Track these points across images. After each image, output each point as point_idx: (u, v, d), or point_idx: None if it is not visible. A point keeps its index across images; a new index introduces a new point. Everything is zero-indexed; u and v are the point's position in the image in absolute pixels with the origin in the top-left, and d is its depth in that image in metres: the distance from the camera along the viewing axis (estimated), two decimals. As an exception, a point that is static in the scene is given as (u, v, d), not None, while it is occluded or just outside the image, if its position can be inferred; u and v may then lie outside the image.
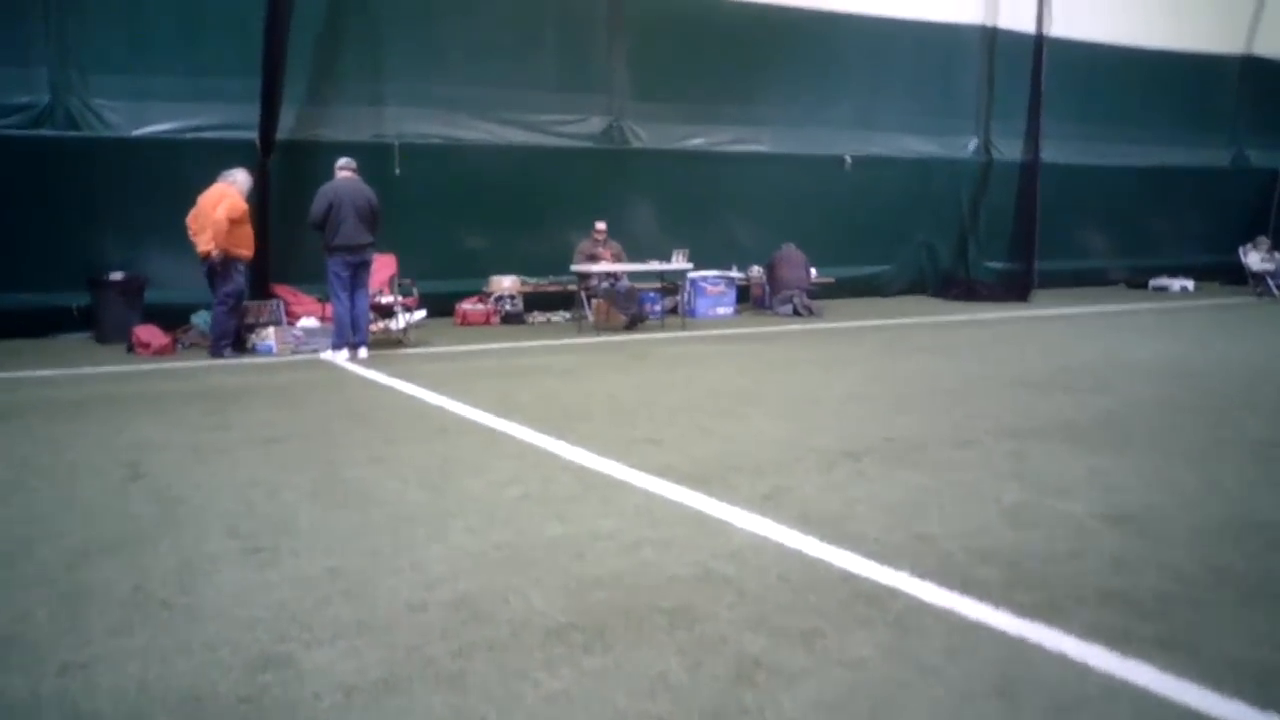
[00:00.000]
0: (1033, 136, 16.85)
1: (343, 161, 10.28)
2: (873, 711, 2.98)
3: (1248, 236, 18.82)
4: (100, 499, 5.14)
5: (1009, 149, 17.49)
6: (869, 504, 5.03)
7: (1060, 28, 16.71)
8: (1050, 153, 17.08)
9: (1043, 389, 8.33)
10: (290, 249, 12.60)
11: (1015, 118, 17.16)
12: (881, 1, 16.00)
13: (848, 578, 4.03)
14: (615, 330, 12.53)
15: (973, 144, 17.64)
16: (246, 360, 10.15)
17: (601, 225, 13.26)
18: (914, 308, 15.64)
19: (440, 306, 13.11)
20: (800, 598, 3.80)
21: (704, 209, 15.25)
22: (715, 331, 12.68)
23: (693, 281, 14.30)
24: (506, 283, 13.80)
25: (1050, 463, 5.86)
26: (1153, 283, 19.49)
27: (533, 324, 13.55)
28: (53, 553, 4.33)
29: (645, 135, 14.70)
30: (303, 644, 3.40)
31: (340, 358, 10.10)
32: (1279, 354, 10.73)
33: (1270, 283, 17.94)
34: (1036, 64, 16.51)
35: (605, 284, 12.87)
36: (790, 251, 14.82)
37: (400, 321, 11.54)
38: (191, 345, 10.99)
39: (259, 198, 11.78)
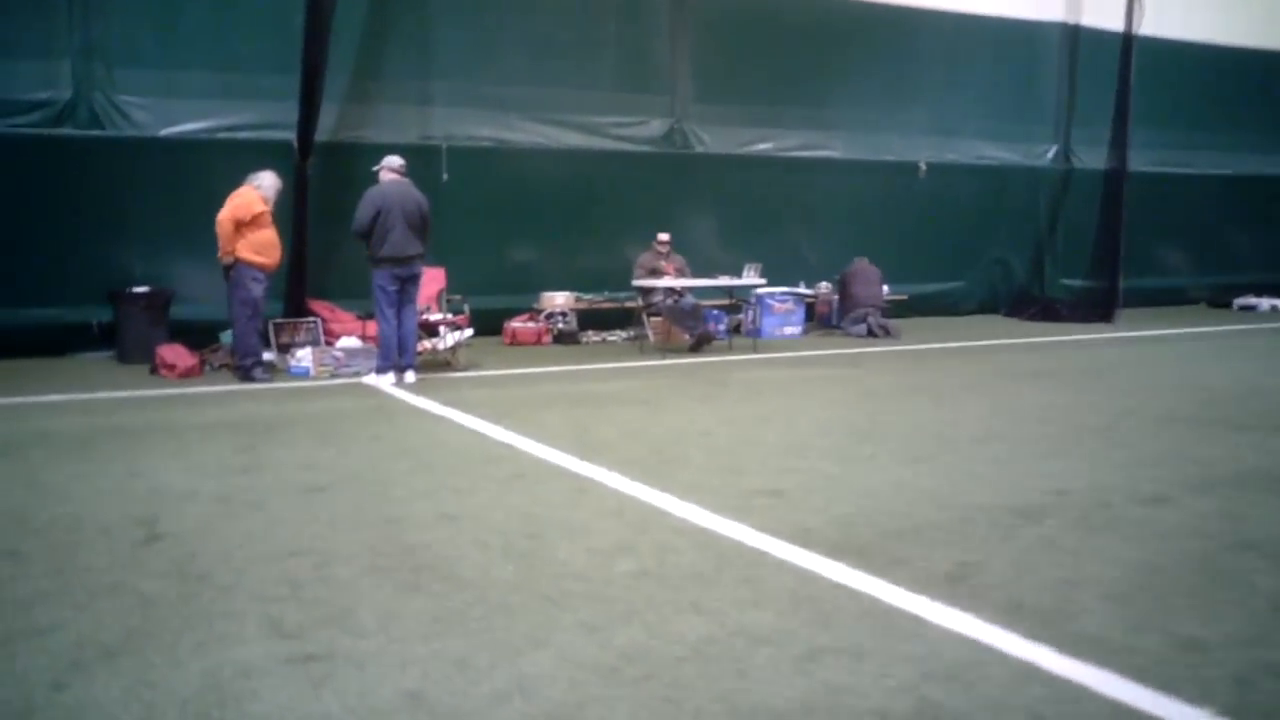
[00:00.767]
0: (1119, 143, 15.62)
1: (390, 162, 9.25)
2: None
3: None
4: (106, 573, 4.07)
5: (1090, 157, 16.28)
6: (1088, 590, 3.90)
7: (1148, 25, 15.52)
8: (1130, 161, 15.87)
9: (1202, 426, 7.16)
10: (328, 261, 11.61)
11: (1097, 123, 15.95)
12: (960, -4, 14.85)
13: (1124, 715, 2.90)
14: (680, 351, 11.43)
15: (1052, 151, 16.45)
16: (280, 385, 9.11)
17: (664, 236, 12.18)
18: (992, 328, 14.46)
19: (487, 324, 12.02)
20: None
21: (769, 219, 14.14)
22: (791, 354, 11.55)
23: (759, 298, 13.17)
24: (560, 299, 12.73)
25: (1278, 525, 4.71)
26: (1238, 301, 18.17)
27: (588, 344, 12.47)
28: (37, 661, 3.26)
29: (709, 139, 13.62)
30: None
31: (385, 382, 9.05)
32: None
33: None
34: (1124, 64, 15.31)
35: (669, 301, 11.78)
36: (864, 266, 13.70)
37: (448, 341, 10.49)
38: (221, 367, 9.96)
39: (294, 205, 10.80)
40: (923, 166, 15.08)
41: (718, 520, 4.77)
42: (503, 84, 12.29)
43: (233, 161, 10.24)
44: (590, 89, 12.84)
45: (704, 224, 13.59)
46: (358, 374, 9.66)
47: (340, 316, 11.41)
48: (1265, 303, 18.03)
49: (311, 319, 10.76)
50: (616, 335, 12.82)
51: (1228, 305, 18.17)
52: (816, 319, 14.27)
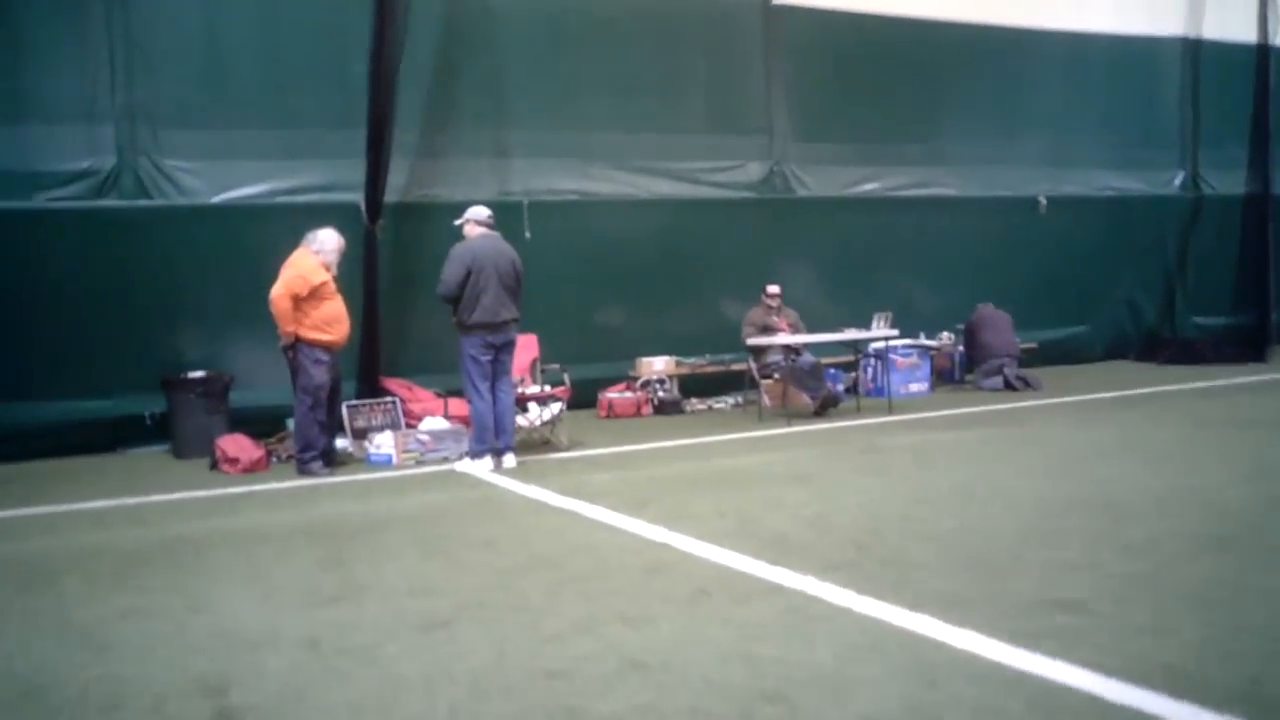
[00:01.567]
0: (1259, 165, 14.10)
1: (477, 214, 8.00)
2: None
3: None
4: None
5: (1221, 182, 14.74)
6: None
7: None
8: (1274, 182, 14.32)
9: None
10: (402, 334, 10.38)
11: (1227, 145, 14.45)
12: (1073, 13, 13.51)
13: None
14: (803, 417, 9.98)
15: (1179, 178, 14.92)
16: (361, 476, 7.78)
17: (775, 289, 10.82)
18: (1137, 375, 12.87)
19: (579, 395, 10.58)
20: None
21: (877, 265, 12.73)
22: (932, 413, 10.06)
23: (880, 353, 11.70)
24: (658, 364, 11.36)
25: None
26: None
27: (693, 413, 11.06)
28: None
29: (811, 181, 12.29)
30: None
31: (482, 469, 7.69)
32: None
33: None
34: (1261, 78, 13.85)
35: (786, 360, 10.36)
36: (991, 313, 12.23)
37: (543, 415, 9.13)
38: (289, 458, 8.66)
39: (364, 272, 9.59)
40: (1043, 201, 13.64)
41: (1018, 655, 3.31)
42: (585, 130, 11.09)
43: (294, 228, 9.05)
44: (680, 132, 11.60)
45: (809, 273, 12.19)
46: (447, 459, 8.34)
47: (419, 395, 10.14)
48: None
49: (389, 399, 9.47)
50: (723, 402, 11.42)
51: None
52: (937, 374, 12.74)
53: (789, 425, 9.56)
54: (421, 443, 8.39)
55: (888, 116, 12.61)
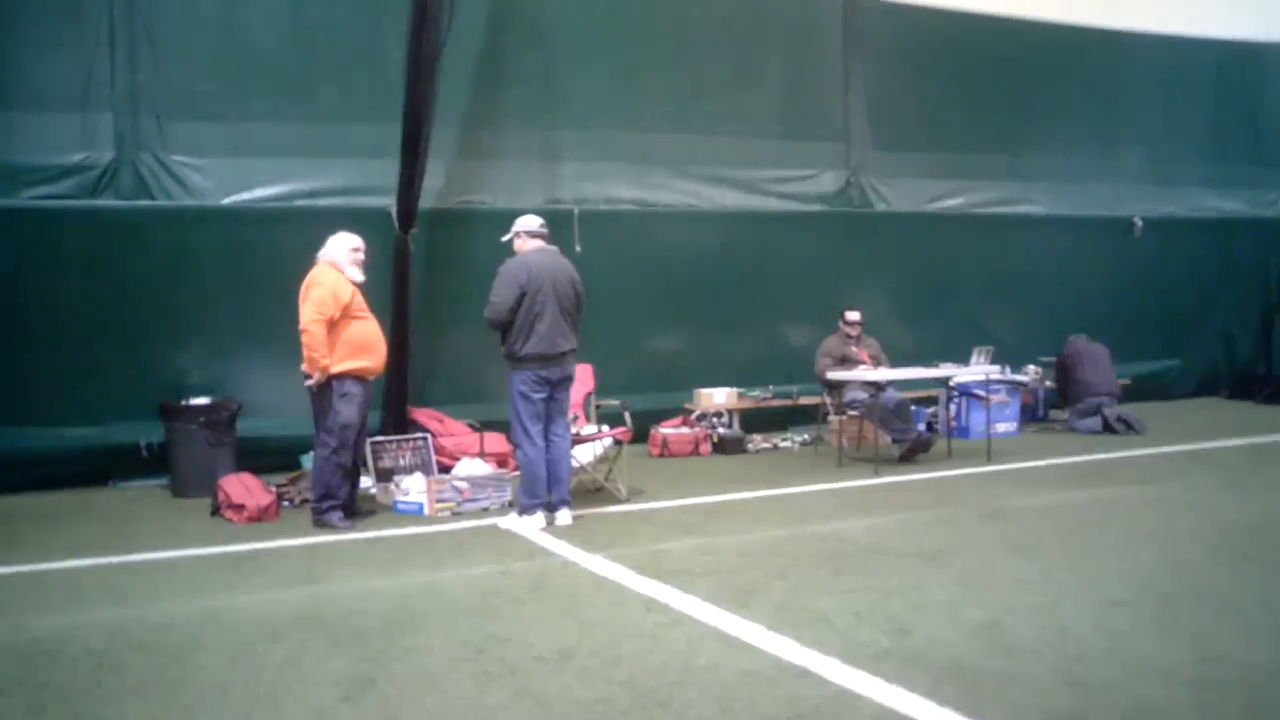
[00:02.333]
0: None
1: (529, 224, 6.77)
2: None
3: None
4: None
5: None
6: None
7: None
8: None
9: None
10: (433, 357, 9.19)
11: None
12: (1178, 15, 12.22)
13: None
14: (888, 461, 8.69)
15: (1285, 198, 13.63)
16: (387, 532, 6.54)
17: (855, 315, 9.56)
18: (1242, 417, 11.57)
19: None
20: None
21: (958, 290, 11.52)
22: (1037, 461, 8.77)
23: (964, 389, 10.42)
24: (719, 397, 10.11)
25: None
26: None
27: (757, 452, 9.80)
28: None
29: (890, 195, 11.03)
30: None
31: (532, 527, 6.45)
32: None
33: None
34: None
35: (869, 397, 9.09)
36: (1087, 346, 10.96)
37: (595, 451, 7.88)
38: (303, 502, 7.43)
39: (394, 287, 8.41)
40: (1138, 223, 12.35)
41: None
42: (644, 132, 9.90)
43: (316, 235, 7.90)
44: (749, 136, 10.40)
45: (884, 297, 10.94)
46: (486, 510, 7.10)
47: (451, 428, 8.93)
48: None
49: (419, 435, 8.23)
50: (789, 439, 10.15)
51: None
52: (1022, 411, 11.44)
53: (877, 474, 8.28)
54: (458, 491, 7.15)
55: (973, 125, 11.40)
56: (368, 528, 6.67)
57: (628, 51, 9.80)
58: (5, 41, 7.84)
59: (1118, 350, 11.72)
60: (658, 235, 9.95)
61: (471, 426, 8.98)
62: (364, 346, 6.68)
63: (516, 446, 6.60)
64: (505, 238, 6.76)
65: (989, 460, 8.80)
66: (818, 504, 7.19)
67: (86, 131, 8.02)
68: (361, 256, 6.79)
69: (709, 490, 7.74)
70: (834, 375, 8.91)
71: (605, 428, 7.64)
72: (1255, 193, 13.27)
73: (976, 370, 9.15)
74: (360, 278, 6.76)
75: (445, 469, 8.20)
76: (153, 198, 8.20)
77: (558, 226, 9.26)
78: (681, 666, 3.85)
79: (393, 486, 7.57)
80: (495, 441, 8.80)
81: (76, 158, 8.01)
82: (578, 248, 9.26)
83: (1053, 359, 11.24)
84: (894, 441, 8.99)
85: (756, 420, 10.35)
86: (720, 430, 9.91)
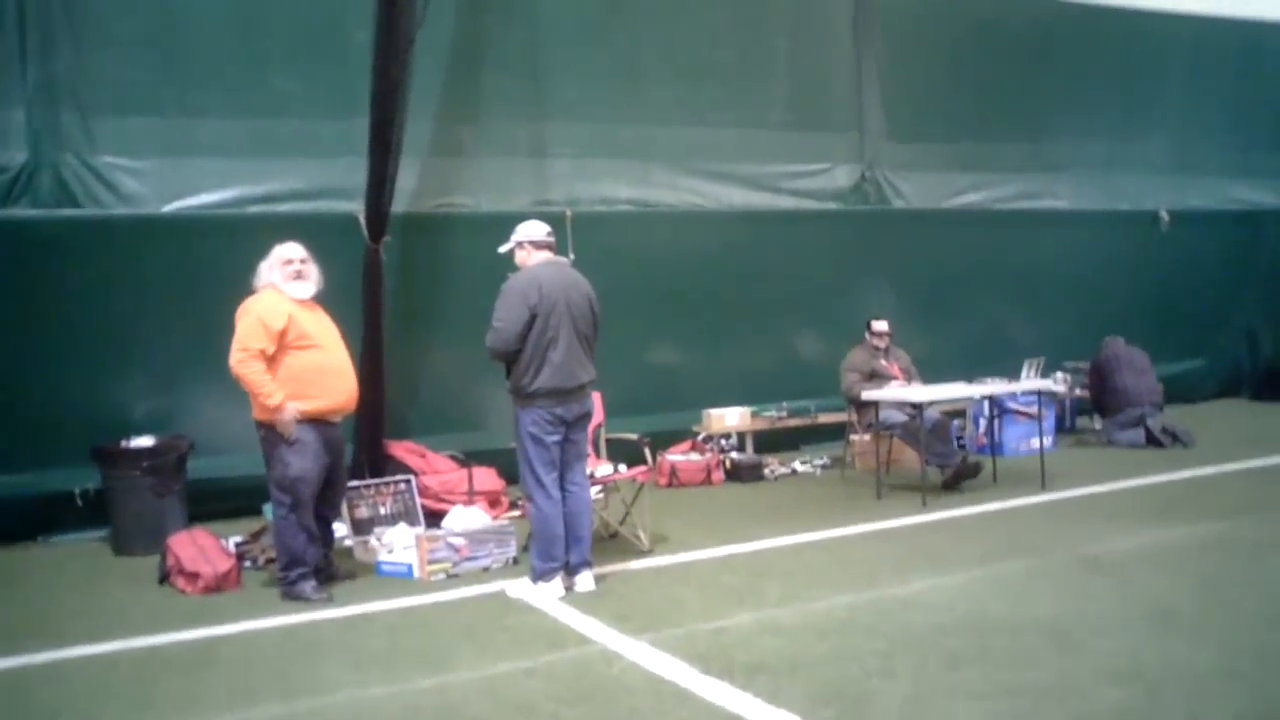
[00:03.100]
0: None
1: (533, 232, 5.64)
2: None
3: None
4: None
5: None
6: None
7: None
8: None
9: None
10: (411, 382, 8.07)
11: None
12: (1205, -7, 11.37)
13: None
14: (927, 489, 7.69)
15: (1313, 188, 12.81)
16: (375, 607, 5.41)
17: (882, 326, 8.58)
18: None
19: (628, 454, 8.25)
20: None
21: (980, 292, 10.57)
22: (1098, 487, 7.81)
23: (997, 403, 9.45)
24: (731, 418, 9.06)
25: None
26: None
27: (776, 478, 8.77)
28: None
29: (907, 190, 10.04)
30: None
31: (549, 596, 5.35)
32: None
33: None
34: None
35: (905, 417, 8.09)
36: (1125, 351, 10.04)
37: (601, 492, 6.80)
38: (268, 563, 6.28)
39: (365, 304, 7.28)
40: (1164, 216, 11.47)
41: None
42: (643, 124, 8.82)
43: (269, 245, 6.78)
44: (756, 127, 9.36)
45: (904, 302, 9.91)
46: (487, 569, 6.00)
47: (434, 463, 7.80)
48: None
49: (402, 479, 7.07)
50: (808, 463, 9.13)
51: None
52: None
53: (925, 509, 7.28)
54: (453, 548, 6.01)
55: (991, 112, 10.47)
56: (348, 598, 5.54)
57: (622, 33, 8.72)
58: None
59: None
60: (658, 238, 8.89)
61: (456, 460, 7.88)
62: (312, 382, 5.48)
63: (527, 499, 5.49)
64: (504, 248, 5.64)
65: (1043, 486, 7.82)
66: (876, 552, 6.16)
67: (-4, 129, 6.79)
68: (299, 267, 5.59)
69: (740, 533, 6.69)
70: (870, 395, 7.88)
71: (622, 467, 6.54)
72: (1281, 182, 12.46)
73: (1029, 386, 8.16)
74: (306, 292, 5.58)
75: (432, 515, 7.08)
76: (78, 206, 6.98)
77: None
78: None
79: (373, 541, 6.44)
80: (486, 477, 7.70)
81: (-17, 160, 6.77)
82: (571, 254, 8.11)
83: (1082, 365, 10.31)
84: (934, 466, 7.98)
85: (768, 441, 9.34)
86: (733, 455, 8.86)
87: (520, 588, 5.49)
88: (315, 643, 4.82)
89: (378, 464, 7.51)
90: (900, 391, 7.81)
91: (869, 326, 8.62)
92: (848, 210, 9.69)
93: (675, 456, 8.69)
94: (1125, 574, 5.36)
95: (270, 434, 5.48)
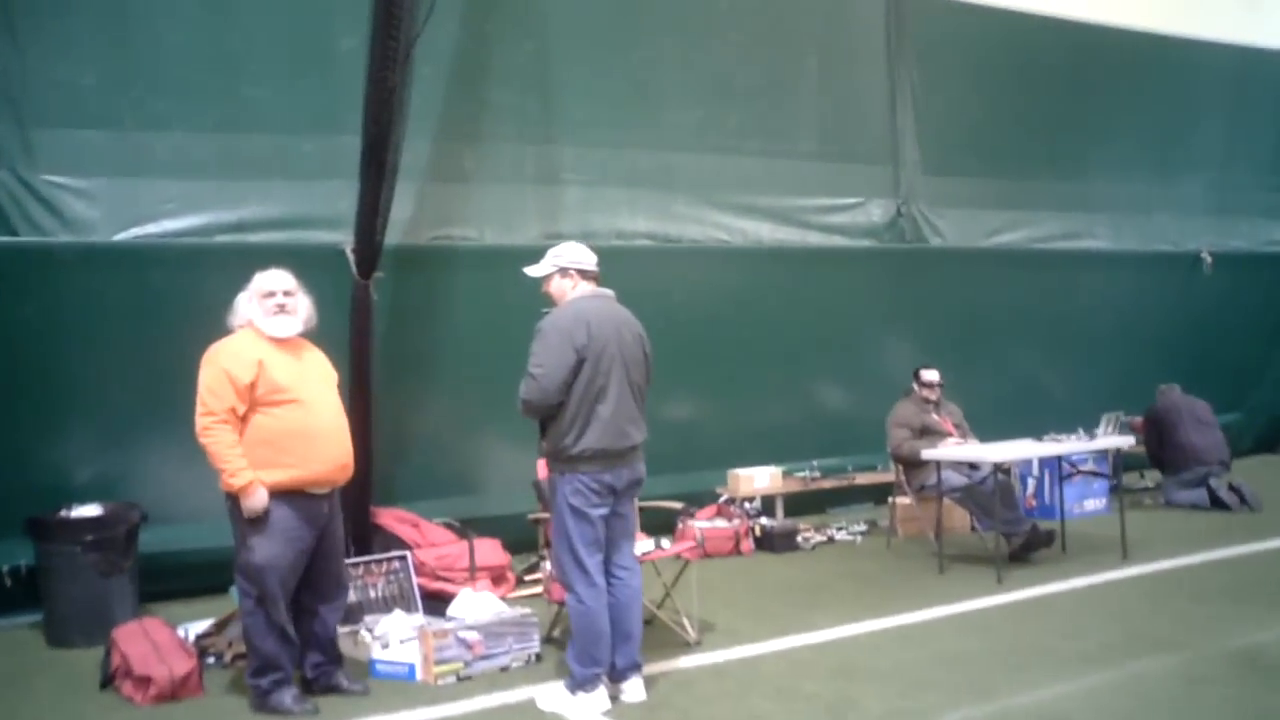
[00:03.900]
0: None
1: (579, 258, 4.68)
2: None
3: None
4: None
5: None
6: None
7: None
8: None
9: None
10: (402, 439, 7.02)
11: None
12: (1248, 22, 10.67)
13: None
14: (990, 560, 6.72)
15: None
16: (369, 721, 4.32)
17: (933, 376, 7.68)
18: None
19: (649, 520, 7.18)
20: None
21: (1022, 337, 9.72)
22: (1189, 558, 6.90)
23: (1046, 463, 8.56)
24: (760, 479, 8.06)
25: None
26: None
27: (813, 548, 7.76)
28: None
29: (945, 228, 9.16)
30: None
31: (593, 710, 4.29)
32: None
33: None
34: None
35: (965, 478, 7.14)
36: (1186, 401, 9.17)
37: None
38: (237, 659, 5.18)
39: (351, 348, 6.23)
40: (1207, 259, 10.69)
41: None
42: (662, 150, 7.91)
43: (244, 283, 5.76)
44: (784, 157, 8.46)
45: (944, 350, 8.94)
46: (506, 670, 4.92)
47: (429, 533, 6.75)
48: None
49: (395, 556, 6.00)
50: (845, 529, 8.13)
51: None
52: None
53: (1002, 587, 6.31)
54: (465, 645, 4.92)
55: (1030, 146, 9.66)
56: (336, 708, 4.44)
57: (639, 49, 7.81)
58: None
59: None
60: (679, 276, 7.94)
61: (452, 529, 6.83)
62: (287, 447, 4.37)
63: (566, 589, 4.42)
64: (539, 272, 4.61)
65: (1126, 557, 6.87)
66: (971, 645, 5.15)
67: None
68: (281, 300, 4.53)
69: (798, 619, 5.68)
70: (934, 454, 6.91)
71: (664, 543, 5.51)
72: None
73: (1109, 443, 7.23)
74: (287, 329, 4.52)
75: (429, 598, 6.02)
76: (15, 232, 5.90)
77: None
78: None
79: (364, 633, 5.35)
80: (489, 550, 6.64)
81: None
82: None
83: (1135, 418, 9.40)
84: (1000, 534, 7.00)
85: (796, 504, 8.36)
86: (765, 521, 7.86)
87: (554, 697, 4.42)
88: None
89: (364, 537, 6.43)
90: (971, 450, 6.85)
91: (917, 376, 7.70)
92: (883, 248, 8.80)
93: (701, 523, 7.65)
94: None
95: (237, 507, 4.41)
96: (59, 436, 6.21)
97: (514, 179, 7.31)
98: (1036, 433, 7.23)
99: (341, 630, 5.38)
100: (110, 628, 5.22)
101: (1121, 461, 9.70)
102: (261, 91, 6.51)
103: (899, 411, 7.59)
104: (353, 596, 5.62)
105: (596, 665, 4.33)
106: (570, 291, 4.50)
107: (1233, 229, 10.96)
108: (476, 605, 5.32)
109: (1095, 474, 8.41)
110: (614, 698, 4.42)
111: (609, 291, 4.66)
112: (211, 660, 5.22)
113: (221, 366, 4.36)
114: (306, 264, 5.93)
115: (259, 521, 4.33)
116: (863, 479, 8.44)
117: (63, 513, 5.95)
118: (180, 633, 5.25)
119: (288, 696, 4.45)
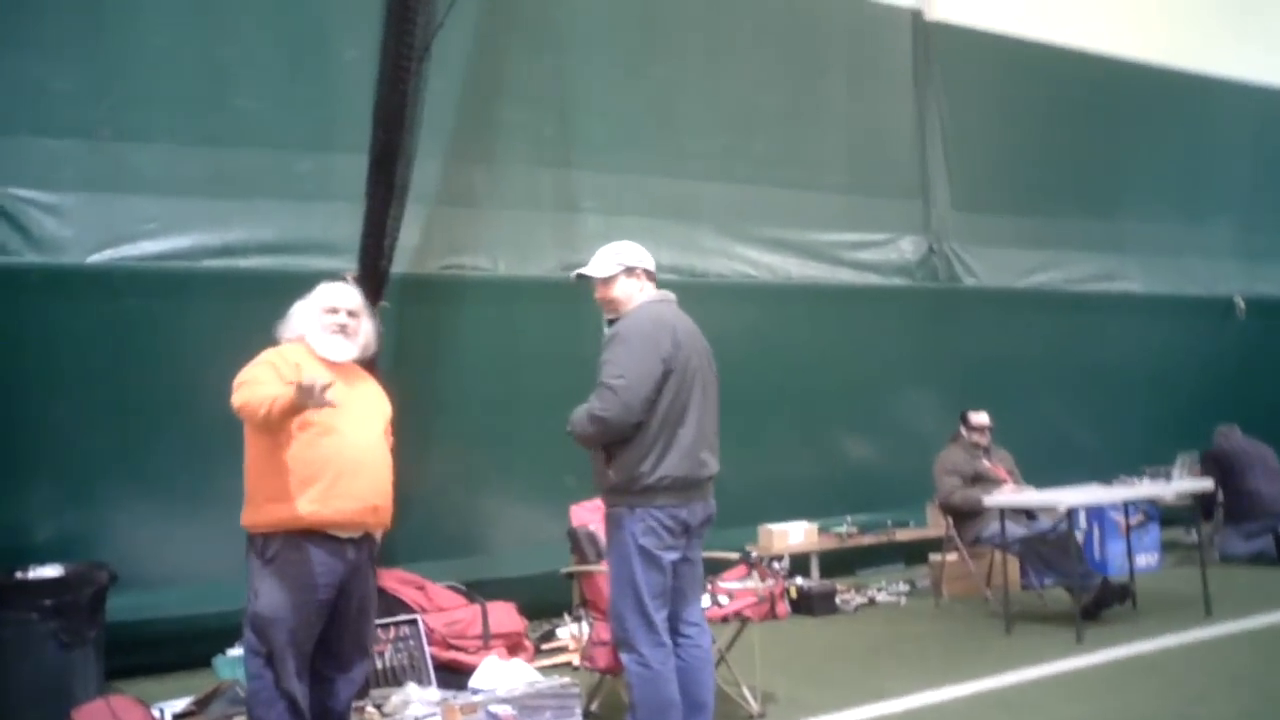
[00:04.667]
0: None
1: (646, 260, 3.98)
2: None
3: None
4: None
5: None
6: None
7: None
8: None
9: None
10: (406, 488, 6.20)
11: None
12: (1267, 65, 10.36)
13: None
14: (1055, 618, 6.07)
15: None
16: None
17: (983, 419, 7.09)
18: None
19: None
20: None
21: (1054, 383, 9.12)
22: (1271, 617, 6.21)
23: (1093, 514, 7.94)
24: (795, 535, 7.37)
25: None
26: None
27: (856, 610, 7.06)
28: None
29: (979, 268, 8.63)
30: None
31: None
32: None
33: None
34: None
35: (1025, 530, 6.49)
36: (1248, 444, 8.55)
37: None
38: (222, 738, 4.40)
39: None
40: (1240, 304, 10.22)
41: None
42: (684, 178, 7.33)
43: (231, 312, 5.15)
44: (812, 188, 7.93)
45: (975, 394, 8.38)
46: (543, 749, 4.16)
47: (435, 596, 6.00)
48: None
49: (404, 621, 5.25)
50: (889, 591, 7.44)
51: None
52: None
53: (1083, 647, 5.59)
54: (498, 720, 4.16)
55: (1062, 182, 9.17)
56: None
57: (661, 69, 7.29)
58: None
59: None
60: (704, 313, 7.21)
61: (459, 593, 6.09)
62: (309, 477, 3.62)
63: (626, 650, 3.67)
64: (604, 272, 3.91)
65: (1209, 613, 6.21)
66: (1083, 712, 4.44)
67: None
68: (344, 320, 3.87)
69: (865, 686, 4.98)
70: (996, 501, 6.26)
71: (724, 599, 4.80)
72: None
73: (1190, 486, 6.61)
74: (343, 353, 3.85)
75: (440, 669, 5.25)
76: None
77: (578, 299, 6.61)
78: None
79: (370, 709, 4.57)
80: (503, 616, 5.89)
81: None
82: (606, 330, 6.51)
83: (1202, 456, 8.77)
84: (1067, 589, 6.35)
85: (826, 565, 7.67)
86: (800, 582, 7.15)
87: (615, 782, 3.67)
88: None
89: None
90: (1045, 495, 6.18)
91: (965, 420, 7.09)
92: (917, 287, 8.25)
93: (731, 584, 6.89)
94: None
95: (252, 545, 3.68)
96: (16, 486, 5.45)
97: (529, 205, 6.72)
98: (1070, 481, 6.62)
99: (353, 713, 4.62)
100: (70, 709, 4.44)
101: (1199, 506, 9.05)
102: (254, 103, 5.91)
103: (947, 458, 6.95)
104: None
105: (663, 742, 3.59)
106: (637, 295, 3.85)
107: (1258, 273, 10.52)
108: (505, 675, 4.57)
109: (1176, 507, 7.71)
110: (685, 781, 3.68)
111: (673, 296, 4.00)
112: (194, 743, 4.42)
113: (267, 360, 3.69)
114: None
115: (274, 562, 3.58)
116: (903, 535, 7.76)
117: (18, 574, 5.16)
118: (155, 714, 4.46)
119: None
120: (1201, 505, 8.58)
